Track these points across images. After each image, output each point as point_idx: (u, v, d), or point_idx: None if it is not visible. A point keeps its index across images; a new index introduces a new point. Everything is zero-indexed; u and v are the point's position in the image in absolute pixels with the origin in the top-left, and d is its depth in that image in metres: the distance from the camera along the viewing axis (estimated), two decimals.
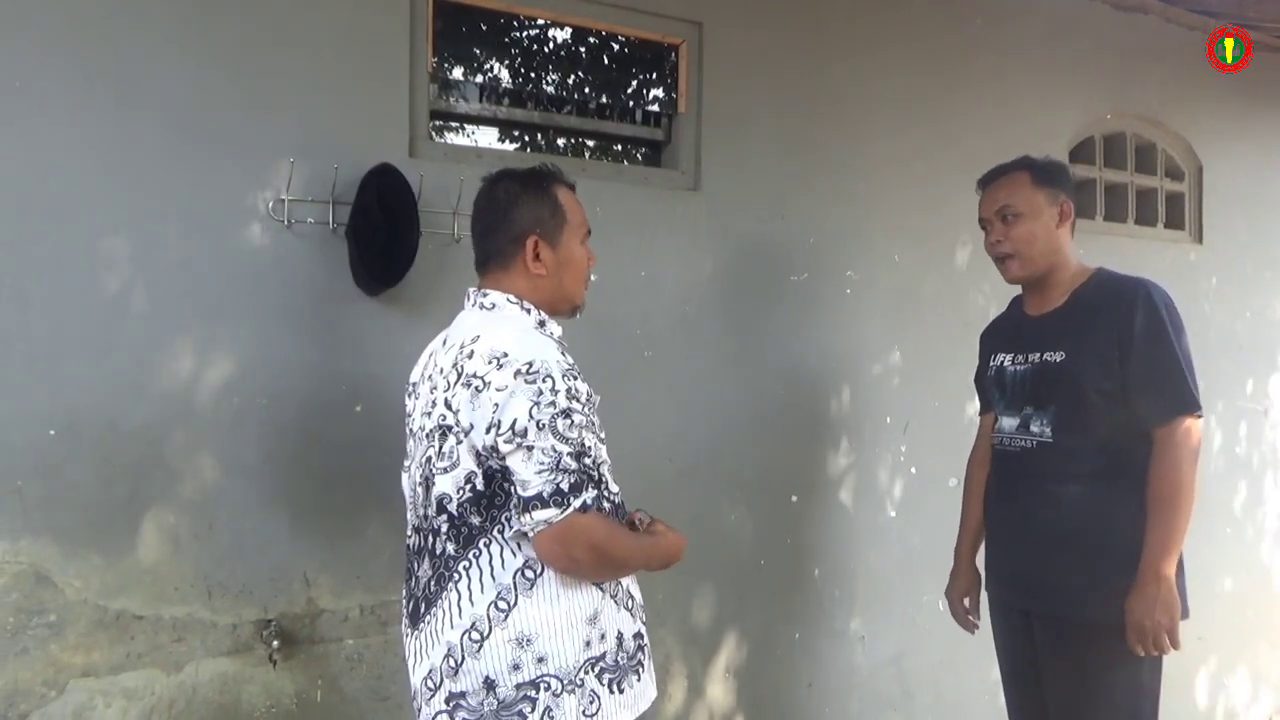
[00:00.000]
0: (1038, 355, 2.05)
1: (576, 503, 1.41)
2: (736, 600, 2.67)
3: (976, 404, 3.09)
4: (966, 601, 2.30)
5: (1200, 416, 1.89)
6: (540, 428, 1.41)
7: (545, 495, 1.40)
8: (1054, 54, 3.27)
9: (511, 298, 1.58)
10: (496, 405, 1.42)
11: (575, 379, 1.48)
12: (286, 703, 2.08)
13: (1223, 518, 3.77)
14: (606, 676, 1.51)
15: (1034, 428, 2.02)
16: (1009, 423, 2.10)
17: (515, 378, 1.43)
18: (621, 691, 1.52)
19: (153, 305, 1.98)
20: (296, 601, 2.10)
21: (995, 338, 2.27)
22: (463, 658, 1.46)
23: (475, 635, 1.46)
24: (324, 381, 2.13)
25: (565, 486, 1.41)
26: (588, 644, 1.50)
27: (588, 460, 1.45)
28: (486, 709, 1.45)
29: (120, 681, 1.94)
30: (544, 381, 1.43)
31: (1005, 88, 3.15)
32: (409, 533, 1.61)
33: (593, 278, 1.71)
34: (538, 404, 1.42)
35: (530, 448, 1.41)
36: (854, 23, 2.87)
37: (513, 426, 1.41)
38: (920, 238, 2.97)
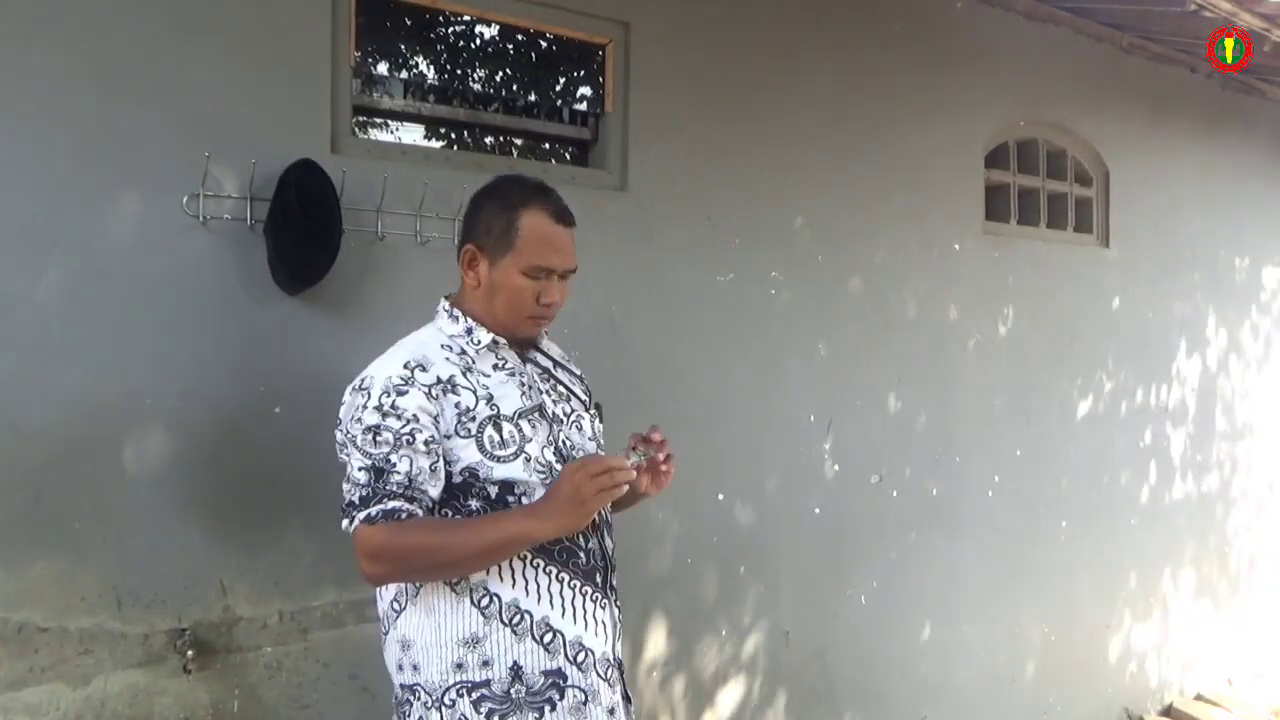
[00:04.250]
0: None
1: (359, 515, 1.42)
2: (662, 598, 2.69)
3: (897, 401, 3.19)
4: None
5: None
6: (349, 440, 1.48)
7: (342, 505, 1.46)
8: (970, 63, 3.37)
9: (447, 305, 1.62)
10: (340, 418, 1.53)
11: (402, 395, 1.45)
12: (202, 714, 2.02)
13: (1127, 511, 3.94)
14: (486, 705, 1.46)
15: None
16: None
17: (349, 392, 1.52)
18: None
19: (58, 302, 1.89)
20: (212, 609, 2.04)
21: None
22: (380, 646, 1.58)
23: (383, 628, 1.57)
24: (241, 382, 2.07)
25: (355, 499, 1.44)
26: (459, 666, 1.46)
27: (395, 477, 1.42)
28: (394, 698, 1.56)
29: (22, 697, 1.85)
30: (361, 396, 1.48)
31: (924, 94, 3.23)
32: None
33: (546, 316, 1.60)
34: (349, 418, 1.49)
35: (344, 459, 1.49)
36: (780, 28, 2.91)
37: (336, 437, 1.53)
38: (843, 239, 3.03)
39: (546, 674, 1.49)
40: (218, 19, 2.05)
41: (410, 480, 1.44)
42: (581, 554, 1.56)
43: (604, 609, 1.58)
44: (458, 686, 1.46)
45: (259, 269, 2.07)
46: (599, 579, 1.59)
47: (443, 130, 2.83)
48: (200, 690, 2.02)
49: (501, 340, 1.59)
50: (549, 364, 1.70)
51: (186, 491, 2.01)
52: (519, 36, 2.89)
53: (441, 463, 1.48)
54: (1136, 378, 3.95)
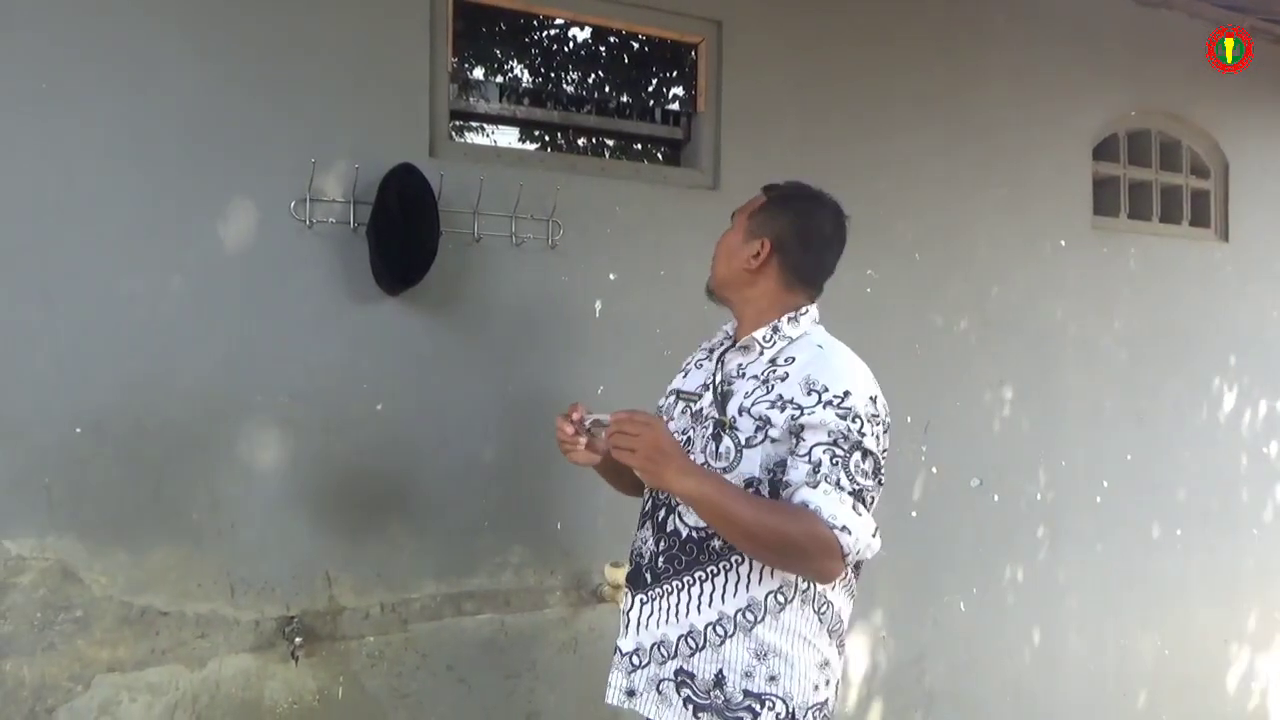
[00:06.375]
0: None
1: None
2: None
3: (998, 402, 3.08)
4: None
5: None
6: None
7: None
8: (1076, 50, 3.24)
9: None
10: None
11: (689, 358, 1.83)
12: (309, 699, 2.10)
13: (1249, 521, 3.72)
14: None
15: None
16: None
17: None
18: None
19: (176, 304, 2.00)
20: (318, 599, 2.11)
21: None
22: None
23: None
24: (345, 380, 2.14)
25: None
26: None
27: None
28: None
29: (145, 677, 1.96)
30: None
31: (1027, 84, 3.12)
32: None
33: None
34: None
35: None
36: (874, 20, 2.86)
37: None
38: (942, 236, 2.95)
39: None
40: (322, 32, 2.13)
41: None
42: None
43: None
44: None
45: (362, 270, 2.14)
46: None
47: (537, 132, 2.88)
48: (307, 676, 2.09)
49: (732, 336, 1.77)
50: (745, 371, 1.68)
51: (294, 485, 2.09)
52: (611, 38, 2.91)
53: None
54: (1258, 380, 3.73)
